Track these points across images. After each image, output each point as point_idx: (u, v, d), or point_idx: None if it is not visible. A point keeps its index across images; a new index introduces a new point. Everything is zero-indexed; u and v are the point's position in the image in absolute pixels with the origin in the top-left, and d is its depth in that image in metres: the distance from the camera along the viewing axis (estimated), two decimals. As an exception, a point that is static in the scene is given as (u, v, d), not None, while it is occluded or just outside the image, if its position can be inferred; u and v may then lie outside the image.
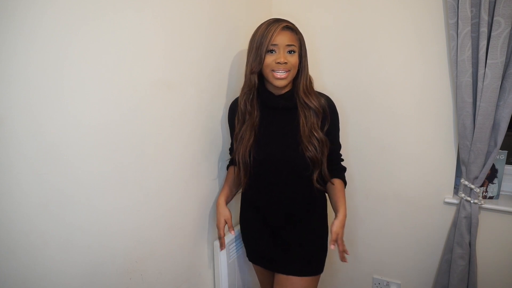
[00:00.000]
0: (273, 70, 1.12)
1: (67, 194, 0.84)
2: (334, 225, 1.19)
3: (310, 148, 1.15)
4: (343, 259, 1.18)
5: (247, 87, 1.20)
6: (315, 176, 1.18)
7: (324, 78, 1.65)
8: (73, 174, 0.85)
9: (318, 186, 1.20)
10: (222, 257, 1.38)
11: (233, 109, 1.28)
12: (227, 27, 1.36)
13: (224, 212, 1.29)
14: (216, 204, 1.32)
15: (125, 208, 1.01)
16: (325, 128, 1.19)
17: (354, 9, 1.53)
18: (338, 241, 1.17)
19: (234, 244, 1.43)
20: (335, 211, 1.23)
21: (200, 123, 1.27)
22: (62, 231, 0.84)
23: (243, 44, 1.43)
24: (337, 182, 1.25)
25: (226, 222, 1.29)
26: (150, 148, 1.07)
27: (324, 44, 1.62)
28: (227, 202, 1.32)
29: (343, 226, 1.20)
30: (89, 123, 0.87)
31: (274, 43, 1.11)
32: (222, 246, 1.32)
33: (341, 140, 1.28)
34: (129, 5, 0.94)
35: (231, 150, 1.36)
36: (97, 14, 0.85)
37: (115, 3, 0.90)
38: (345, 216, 1.21)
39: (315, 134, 1.16)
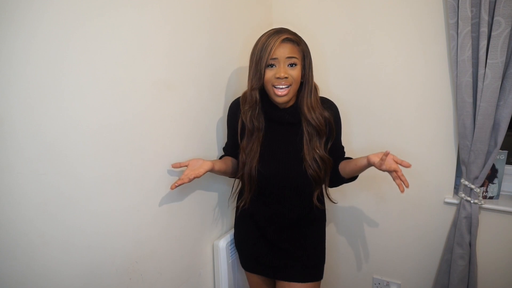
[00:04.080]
0: (274, 86, 1.07)
1: (66, 194, 0.84)
2: (372, 157, 1.09)
3: (313, 167, 1.13)
4: (405, 182, 1.04)
5: (249, 104, 1.14)
6: (315, 194, 1.18)
7: (324, 78, 1.65)
8: (72, 174, 0.85)
9: (317, 204, 1.21)
10: (222, 257, 1.38)
11: (235, 111, 1.23)
12: (228, 27, 1.36)
13: (202, 160, 1.13)
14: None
15: (125, 208, 1.01)
16: (331, 141, 1.18)
17: (354, 10, 1.53)
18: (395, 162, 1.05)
19: (234, 244, 1.43)
20: (359, 161, 1.16)
21: (200, 123, 1.27)
22: (62, 231, 0.84)
23: (243, 44, 1.43)
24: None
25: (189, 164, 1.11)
26: (150, 148, 1.07)
27: (323, 45, 1.62)
28: (212, 168, 1.15)
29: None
30: (89, 123, 0.87)
31: (274, 57, 1.05)
32: (175, 183, 1.07)
33: (342, 140, 1.29)
34: (130, 5, 0.94)
35: (225, 149, 1.32)
36: (96, 14, 0.85)
37: (116, 3, 0.90)
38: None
39: (318, 152, 1.14)
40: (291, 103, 1.16)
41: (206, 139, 1.32)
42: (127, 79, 0.96)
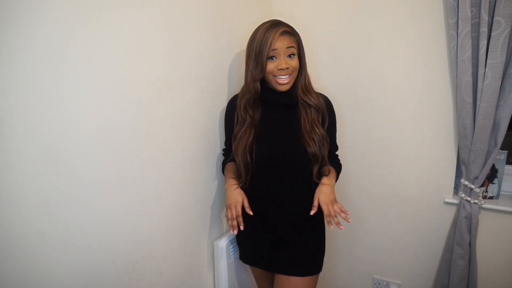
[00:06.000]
0: (275, 76, 1.15)
1: (66, 194, 0.84)
2: (317, 194, 1.17)
3: (311, 144, 1.17)
4: (346, 219, 1.18)
5: (249, 93, 1.20)
6: (315, 171, 1.19)
7: (324, 78, 1.65)
8: (72, 174, 0.85)
9: (318, 181, 1.21)
10: (222, 257, 1.38)
11: (233, 106, 1.27)
12: (228, 27, 1.36)
13: (239, 191, 1.20)
14: (226, 188, 1.22)
15: (125, 208, 1.01)
16: (325, 126, 1.21)
17: (353, 8, 1.53)
18: (330, 209, 1.15)
19: (234, 244, 1.43)
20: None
21: (200, 123, 1.27)
22: (62, 231, 0.84)
23: (243, 44, 1.42)
24: (331, 167, 1.26)
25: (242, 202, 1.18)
26: (149, 147, 1.07)
27: (323, 44, 1.62)
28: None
29: (329, 193, 1.17)
30: (89, 123, 0.87)
31: (274, 48, 1.12)
32: (241, 224, 1.18)
33: (341, 140, 1.29)
34: (130, 5, 0.94)
35: (225, 151, 1.34)
36: (96, 14, 0.85)
37: (116, 3, 0.90)
38: (330, 185, 1.19)
39: (316, 129, 1.19)
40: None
41: (206, 138, 1.32)
42: (127, 79, 0.96)
